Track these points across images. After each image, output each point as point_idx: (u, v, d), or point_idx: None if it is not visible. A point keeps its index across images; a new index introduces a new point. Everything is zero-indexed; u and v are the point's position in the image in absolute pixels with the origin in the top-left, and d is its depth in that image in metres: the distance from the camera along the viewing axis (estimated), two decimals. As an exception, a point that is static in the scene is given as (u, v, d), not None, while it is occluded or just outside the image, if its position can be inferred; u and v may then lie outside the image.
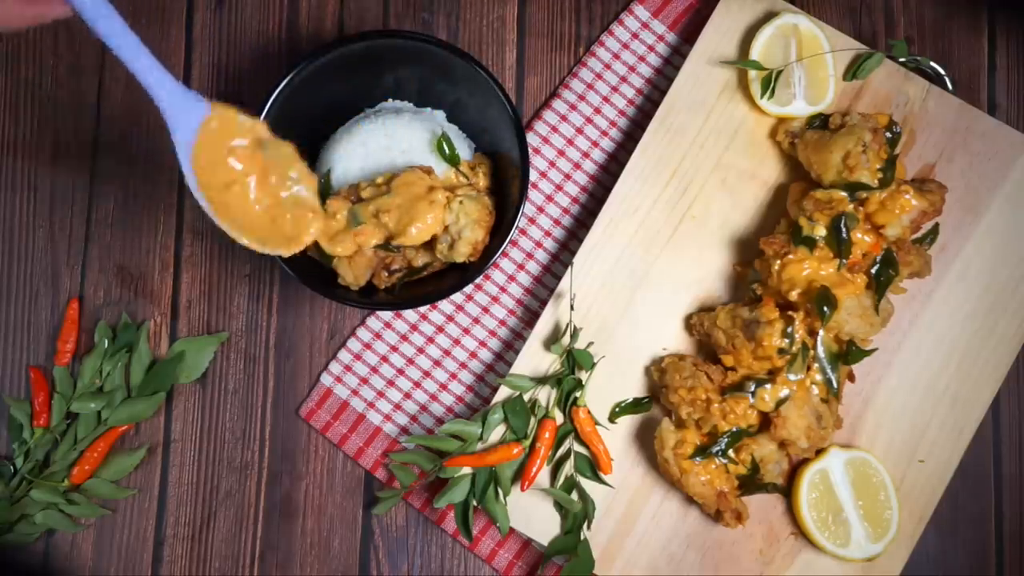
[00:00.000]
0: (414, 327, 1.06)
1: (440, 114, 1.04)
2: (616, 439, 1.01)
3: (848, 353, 0.96)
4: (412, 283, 1.01)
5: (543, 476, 1.00)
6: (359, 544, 1.04)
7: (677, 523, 1.00)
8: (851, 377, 1.00)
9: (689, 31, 1.10)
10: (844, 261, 0.95)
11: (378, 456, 1.05)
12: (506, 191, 1.00)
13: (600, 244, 1.02)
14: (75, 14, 0.75)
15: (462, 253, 0.96)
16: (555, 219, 1.08)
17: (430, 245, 0.98)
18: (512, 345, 1.06)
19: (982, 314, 1.02)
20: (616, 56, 1.10)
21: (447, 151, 0.99)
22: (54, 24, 1.09)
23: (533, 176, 1.08)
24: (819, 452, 0.98)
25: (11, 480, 1.02)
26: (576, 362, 1.00)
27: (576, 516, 0.98)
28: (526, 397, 1.00)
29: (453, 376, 1.06)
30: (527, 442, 0.99)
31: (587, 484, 0.99)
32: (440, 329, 1.06)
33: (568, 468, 1.00)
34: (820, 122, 1.02)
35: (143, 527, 1.04)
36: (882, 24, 1.11)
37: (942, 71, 1.08)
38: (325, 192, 0.98)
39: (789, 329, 0.94)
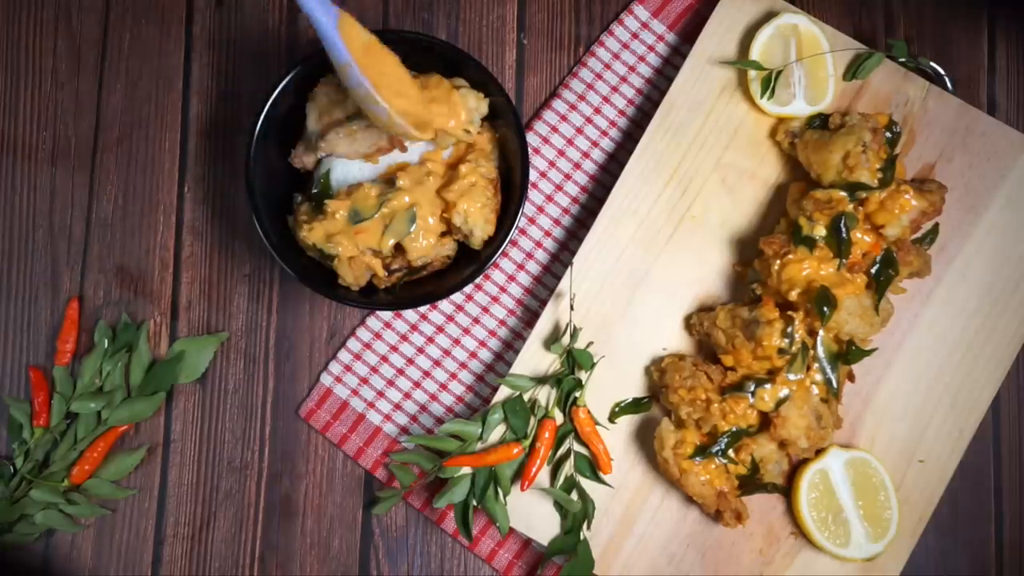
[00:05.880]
0: (414, 327, 1.06)
1: (440, 114, 1.04)
2: (616, 439, 1.01)
3: (848, 353, 0.96)
4: (412, 283, 1.01)
5: (543, 476, 1.00)
6: (359, 544, 1.04)
7: (677, 523, 1.00)
8: (851, 377, 1.00)
9: (689, 31, 1.10)
10: (844, 261, 0.95)
11: (378, 456, 1.05)
12: (507, 190, 1.00)
13: (600, 244, 1.02)
14: None
15: (478, 239, 0.97)
16: (555, 219, 1.08)
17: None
18: (512, 345, 1.06)
19: (982, 314, 1.02)
20: (616, 56, 1.10)
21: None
22: (54, 25, 1.09)
23: (533, 176, 1.08)
24: (819, 452, 0.98)
25: (11, 480, 1.02)
26: (576, 362, 1.00)
27: (576, 516, 0.98)
28: (526, 397, 1.00)
29: (453, 376, 1.06)
30: (527, 442, 0.99)
31: (587, 484, 0.99)
32: (440, 329, 1.06)
33: (568, 468, 1.00)
34: (820, 122, 1.02)
35: (143, 527, 1.04)
36: (882, 24, 1.11)
37: (942, 71, 1.08)
38: (324, 192, 0.98)
39: (789, 329, 0.94)
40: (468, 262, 0.99)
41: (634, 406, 1.01)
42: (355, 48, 0.89)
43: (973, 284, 1.02)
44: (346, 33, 0.88)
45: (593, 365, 1.00)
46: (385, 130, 0.93)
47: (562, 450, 1.00)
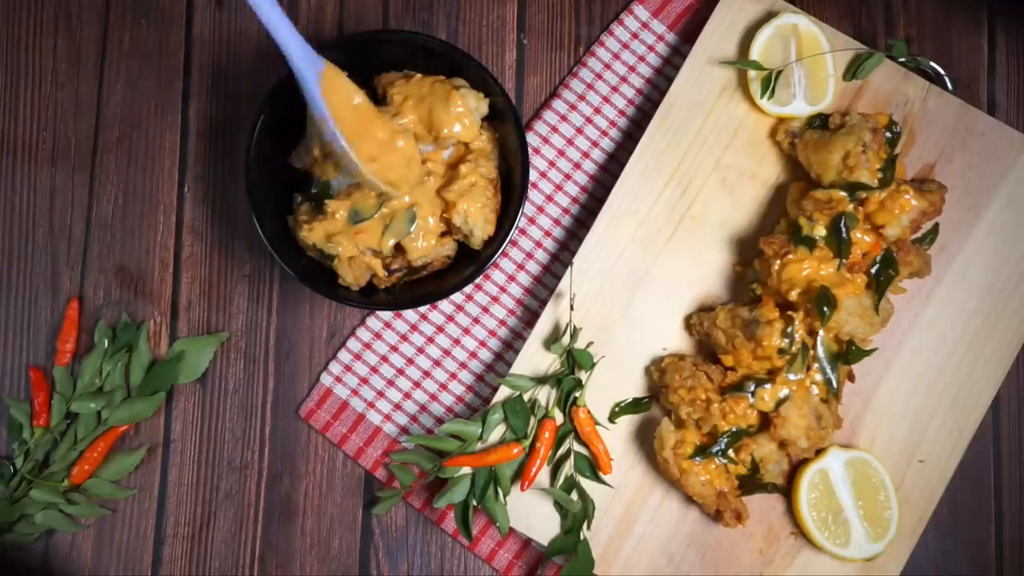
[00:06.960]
0: (414, 327, 1.06)
1: (440, 114, 1.04)
2: (616, 439, 1.01)
3: (848, 353, 0.96)
4: (412, 283, 1.01)
5: (543, 476, 1.00)
6: (359, 544, 1.04)
7: (677, 523, 1.00)
8: (851, 377, 1.00)
9: (689, 31, 1.10)
10: (844, 261, 0.95)
11: (378, 456, 1.05)
12: (507, 190, 1.00)
13: (600, 244, 1.02)
14: None
15: (478, 239, 0.97)
16: (555, 219, 1.08)
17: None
18: (512, 345, 1.06)
19: (982, 314, 1.02)
20: (616, 56, 1.10)
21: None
22: (54, 25, 1.09)
23: (533, 176, 1.08)
24: (819, 452, 0.98)
25: (11, 480, 1.02)
26: (576, 362, 1.00)
27: (576, 516, 0.98)
28: (526, 397, 1.00)
29: (453, 376, 1.06)
30: (527, 442, 0.99)
31: (587, 484, 0.99)
32: (440, 329, 1.06)
33: (568, 468, 1.00)
34: (820, 122, 1.02)
35: (143, 527, 1.04)
36: (882, 24, 1.11)
37: (942, 71, 1.08)
38: (324, 192, 0.98)
39: (789, 329, 0.94)
40: (468, 262, 1.00)
41: (634, 406, 1.01)
42: (335, 104, 0.90)
43: (973, 284, 1.02)
44: (329, 86, 0.90)
45: (593, 365, 1.00)
46: (358, 180, 0.95)
47: (562, 450, 1.00)
